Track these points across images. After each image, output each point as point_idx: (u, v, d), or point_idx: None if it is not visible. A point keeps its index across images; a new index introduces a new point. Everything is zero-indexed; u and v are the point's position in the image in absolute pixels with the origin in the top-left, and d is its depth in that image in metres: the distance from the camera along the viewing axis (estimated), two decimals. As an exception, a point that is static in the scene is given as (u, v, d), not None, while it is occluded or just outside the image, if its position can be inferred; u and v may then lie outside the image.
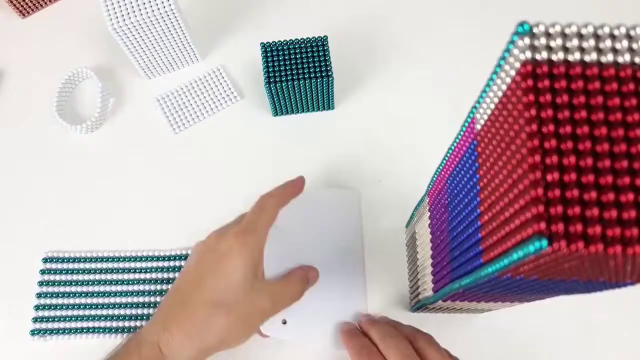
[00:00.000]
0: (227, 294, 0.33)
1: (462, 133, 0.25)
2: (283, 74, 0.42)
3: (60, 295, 0.44)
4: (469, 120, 0.24)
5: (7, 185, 0.48)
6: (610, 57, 0.17)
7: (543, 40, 0.17)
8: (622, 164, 0.16)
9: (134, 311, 0.43)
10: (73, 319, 0.43)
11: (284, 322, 0.39)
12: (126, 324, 0.43)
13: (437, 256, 0.32)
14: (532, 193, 0.16)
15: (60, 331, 0.42)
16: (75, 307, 0.43)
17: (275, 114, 0.49)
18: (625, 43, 0.17)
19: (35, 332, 0.42)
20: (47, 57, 0.53)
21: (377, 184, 0.46)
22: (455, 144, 0.26)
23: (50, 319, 0.43)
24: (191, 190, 0.47)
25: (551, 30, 0.17)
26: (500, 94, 0.20)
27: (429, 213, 0.35)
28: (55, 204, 0.47)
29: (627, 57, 0.17)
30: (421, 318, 0.42)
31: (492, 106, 0.21)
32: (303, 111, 0.49)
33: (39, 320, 0.43)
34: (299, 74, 0.42)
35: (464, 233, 0.25)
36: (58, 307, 0.43)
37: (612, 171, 0.16)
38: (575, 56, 0.17)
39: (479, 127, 0.23)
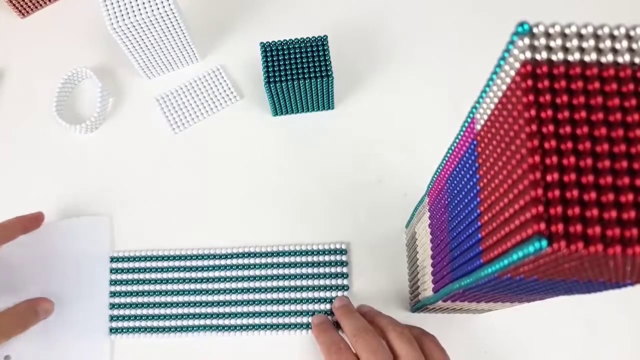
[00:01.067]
0: None
1: (462, 133, 0.25)
2: (283, 74, 0.42)
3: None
4: (469, 120, 0.24)
5: (5, 185, 0.48)
6: (610, 58, 0.17)
7: (543, 41, 0.17)
8: (622, 165, 0.16)
9: (132, 312, 0.43)
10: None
11: (7, 358, 0.39)
12: (118, 324, 0.43)
13: (437, 256, 0.32)
14: (531, 193, 0.16)
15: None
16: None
17: (275, 113, 0.49)
18: (625, 43, 0.17)
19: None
20: (47, 57, 0.53)
21: (377, 184, 0.46)
22: (455, 144, 0.26)
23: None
24: (191, 190, 0.47)
25: (551, 31, 0.17)
26: (500, 94, 0.20)
27: (429, 213, 0.35)
28: (53, 204, 0.47)
29: (627, 58, 0.17)
30: (421, 318, 0.42)
31: (492, 106, 0.21)
32: (303, 111, 0.49)
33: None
34: (298, 74, 0.42)
35: (464, 233, 0.25)
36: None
37: (611, 171, 0.16)
38: (575, 56, 0.17)
39: (479, 127, 0.23)
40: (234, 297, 0.43)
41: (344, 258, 0.44)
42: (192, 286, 0.43)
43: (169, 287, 0.44)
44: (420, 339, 0.35)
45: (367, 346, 0.33)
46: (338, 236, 0.45)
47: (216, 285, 0.43)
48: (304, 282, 0.43)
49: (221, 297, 0.43)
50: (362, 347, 0.34)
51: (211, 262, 0.44)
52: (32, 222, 0.40)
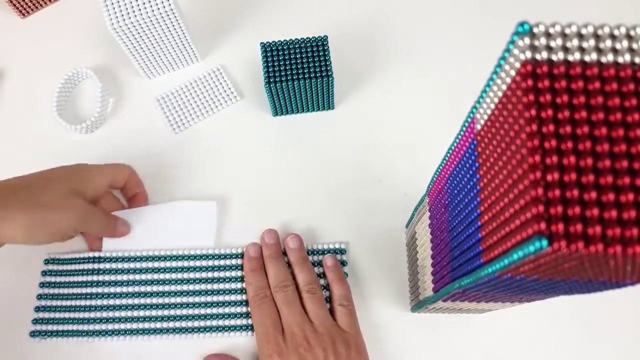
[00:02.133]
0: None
1: (462, 133, 0.25)
2: (283, 74, 0.42)
3: (61, 297, 0.43)
4: (469, 120, 0.24)
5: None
6: (610, 57, 0.17)
7: (543, 40, 0.17)
8: (622, 164, 0.16)
9: (135, 313, 0.43)
10: (74, 321, 0.43)
11: None
12: (127, 326, 0.42)
13: (437, 256, 0.32)
14: (532, 193, 0.16)
15: (61, 333, 0.42)
16: (77, 309, 0.43)
17: (275, 114, 0.49)
18: (625, 43, 0.17)
19: (36, 333, 0.42)
20: (47, 57, 0.53)
21: (377, 184, 0.46)
22: (455, 144, 0.27)
23: (51, 321, 0.43)
24: (190, 190, 0.47)
25: (551, 31, 0.17)
26: (500, 94, 0.20)
27: (429, 213, 0.35)
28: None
29: (627, 57, 0.17)
30: (421, 318, 0.42)
31: (492, 106, 0.21)
32: (303, 111, 0.49)
33: (39, 322, 0.43)
34: (299, 74, 0.42)
35: (464, 233, 0.25)
36: (59, 309, 0.43)
37: (612, 171, 0.16)
38: (575, 56, 0.17)
39: (479, 127, 0.23)
40: (239, 297, 0.43)
41: (343, 258, 0.44)
42: (193, 287, 0.44)
43: (165, 288, 0.44)
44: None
45: (285, 299, 0.39)
46: (338, 236, 0.45)
47: (218, 286, 0.43)
48: (304, 282, 0.43)
49: (221, 298, 0.43)
50: (280, 298, 0.39)
51: (208, 263, 0.44)
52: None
